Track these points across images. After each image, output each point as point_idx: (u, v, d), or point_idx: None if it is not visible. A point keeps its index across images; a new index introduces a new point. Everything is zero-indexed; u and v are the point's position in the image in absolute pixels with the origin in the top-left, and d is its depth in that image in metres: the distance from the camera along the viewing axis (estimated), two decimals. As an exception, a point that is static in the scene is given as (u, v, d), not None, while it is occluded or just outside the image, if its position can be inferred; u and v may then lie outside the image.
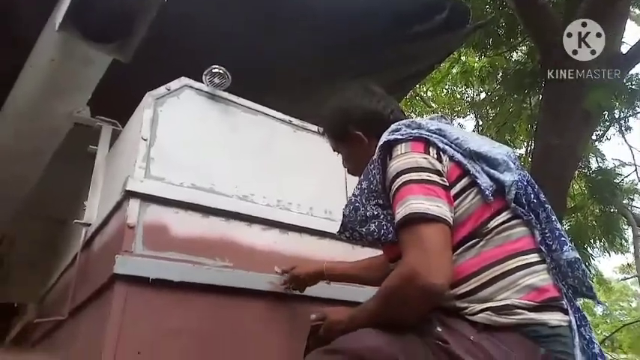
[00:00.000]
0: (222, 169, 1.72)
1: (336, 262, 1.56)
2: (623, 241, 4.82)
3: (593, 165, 5.36)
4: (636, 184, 5.76)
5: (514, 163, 1.08)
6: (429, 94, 8.69)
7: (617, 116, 3.90)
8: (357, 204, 1.13)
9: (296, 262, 1.61)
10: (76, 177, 2.22)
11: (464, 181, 1.03)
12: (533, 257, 1.00)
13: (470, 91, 7.47)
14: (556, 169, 2.96)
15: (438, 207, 0.97)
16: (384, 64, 2.89)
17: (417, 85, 7.82)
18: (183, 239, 1.53)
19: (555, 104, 3.03)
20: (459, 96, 8.37)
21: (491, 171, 1.04)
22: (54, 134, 2.07)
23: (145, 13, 1.75)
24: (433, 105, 8.80)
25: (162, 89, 1.71)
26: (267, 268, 1.65)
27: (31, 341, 2.83)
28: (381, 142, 1.11)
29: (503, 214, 1.02)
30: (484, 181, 1.02)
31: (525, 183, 1.07)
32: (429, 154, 1.05)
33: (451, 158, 1.05)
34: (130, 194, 1.47)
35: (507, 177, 1.02)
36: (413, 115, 8.81)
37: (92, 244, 1.83)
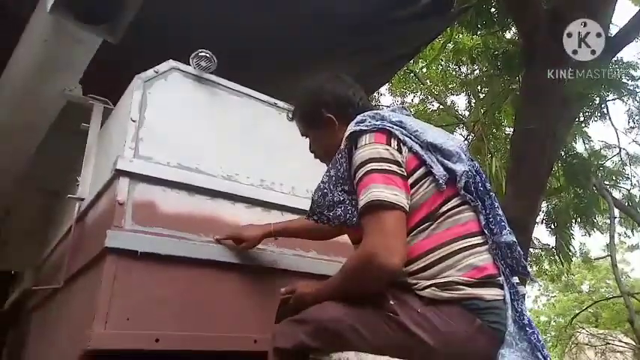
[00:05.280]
0: (207, 149, 1.82)
1: (280, 223, 1.68)
2: (601, 222, 4.99)
3: (580, 147, 5.48)
4: (622, 166, 5.90)
5: (465, 154, 1.19)
6: (424, 70, 8.70)
7: (597, 102, 3.98)
8: (325, 190, 1.24)
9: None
10: (69, 153, 2.31)
11: (420, 171, 1.14)
12: (477, 240, 1.12)
13: (463, 69, 7.50)
14: (534, 152, 3.06)
15: (396, 195, 1.08)
16: (369, 47, 2.96)
17: (411, 62, 7.85)
18: (170, 216, 1.64)
19: (535, 88, 3.11)
20: (453, 73, 8.38)
21: (445, 161, 1.15)
22: (47, 111, 2.15)
23: (133, -4, 1.81)
24: (428, 82, 8.82)
25: (150, 72, 1.78)
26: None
27: (27, 308, 2.98)
28: (347, 133, 1.21)
29: (454, 200, 1.14)
30: (438, 171, 1.13)
31: (474, 172, 1.18)
32: (390, 145, 1.15)
33: (410, 149, 1.16)
34: (119, 173, 1.57)
35: (459, 167, 1.14)
36: (407, 91, 8.84)
37: (85, 218, 1.94)
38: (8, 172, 2.49)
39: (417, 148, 1.15)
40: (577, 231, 5.60)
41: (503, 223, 1.14)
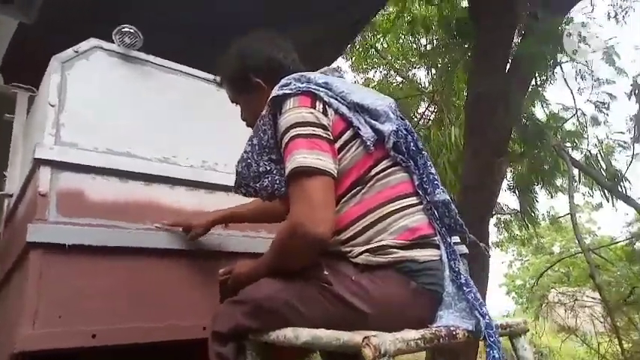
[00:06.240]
0: (139, 131, 1.71)
1: (229, 209, 1.59)
2: (565, 183, 5.08)
3: (538, 111, 5.54)
4: (580, 127, 6.00)
5: (394, 114, 1.13)
6: (385, 45, 8.63)
7: (550, 63, 4.01)
8: (249, 160, 1.17)
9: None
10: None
11: (348, 133, 1.08)
12: (410, 200, 1.07)
13: (423, 41, 7.45)
14: (487, 116, 3.04)
15: (321, 160, 1.01)
16: (318, 14, 2.86)
17: (372, 37, 7.76)
18: (102, 204, 1.53)
19: (485, 52, 3.09)
20: (413, 46, 8.33)
21: (373, 122, 1.09)
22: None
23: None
24: (389, 57, 8.76)
25: (69, 52, 1.65)
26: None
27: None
28: (270, 97, 1.13)
29: (384, 162, 1.08)
30: (366, 132, 1.07)
31: (405, 132, 1.12)
32: (315, 108, 1.08)
33: (336, 111, 1.09)
34: (39, 162, 1.46)
35: (387, 127, 1.08)
36: (368, 67, 8.77)
37: (15, 215, 1.81)
38: None
39: (343, 109, 1.09)
40: (541, 194, 5.71)
41: (436, 182, 1.09)
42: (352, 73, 8.51)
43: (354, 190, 1.06)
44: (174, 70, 1.89)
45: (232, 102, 1.40)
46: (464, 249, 1.34)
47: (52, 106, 1.55)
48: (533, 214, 5.15)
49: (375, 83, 8.01)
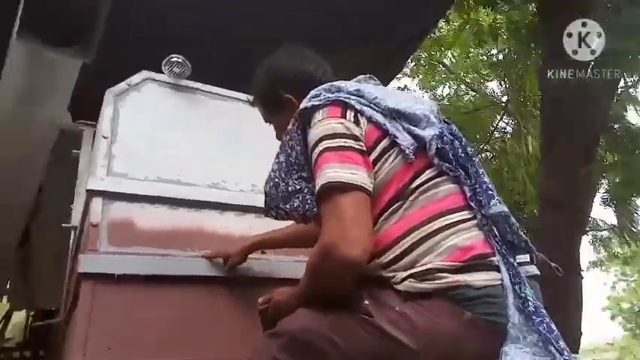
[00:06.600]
0: (189, 159, 1.71)
1: (263, 235, 1.52)
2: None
3: (631, 115, 4.99)
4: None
5: (436, 118, 0.99)
6: (453, 60, 8.35)
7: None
8: (276, 180, 1.08)
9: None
10: (73, 182, 2.29)
11: (384, 143, 0.96)
12: (460, 215, 0.92)
13: (493, 51, 7.09)
14: (566, 120, 2.73)
15: (354, 174, 0.91)
16: (374, 32, 2.79)
17: (438, 53, 7.54)
18: (151, 233, 1.53)
19: (560, 51, 2.80)
20: (484, 57, 7.98)
21: (412, 128, 0.97)
22: (39, 142, 2.13)
23: (98, 10, 1.75)
24: (460, 73, 8.45)
25: (122, 85, 1.70)
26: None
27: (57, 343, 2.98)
28: (298, 110, 1.05)
29: (427, 172, 0.95)
30: (404, 140, 0.94)
31: (451, 137, 0.98)
32: (345, 117, 0.98)
33: (369, 119, 0.98)
34: (92, 193, 1.49)
35: (428, 132, 0.94)
36: (437, 84, 8.51)
37: (78, 247, 1.87)
38: (18, 208, 2.50)
39: (377, 117, 0.98)
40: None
41: (490, 192, 0.93)
42: (420, 92, 8.30)
43: (395, 206, 0.93)
44: (222, 95, 1.89)
45: (266, 122, 1.34)
46: (533, 270, 1.14)
47: (105, 138, 1.59)
48: (634, 229, 4.56)
49: (444, 99, 7.74)
